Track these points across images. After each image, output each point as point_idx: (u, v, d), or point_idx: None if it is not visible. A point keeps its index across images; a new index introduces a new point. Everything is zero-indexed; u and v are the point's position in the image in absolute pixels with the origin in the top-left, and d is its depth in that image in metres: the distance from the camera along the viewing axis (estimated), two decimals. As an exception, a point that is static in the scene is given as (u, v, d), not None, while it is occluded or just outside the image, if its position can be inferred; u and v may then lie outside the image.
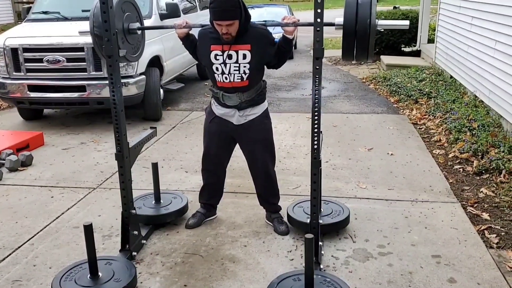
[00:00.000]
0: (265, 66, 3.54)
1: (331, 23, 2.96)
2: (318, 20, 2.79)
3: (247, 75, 3.40)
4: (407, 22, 3.09)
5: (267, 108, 3.70)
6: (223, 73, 3.41)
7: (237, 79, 3.41)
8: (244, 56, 3.34)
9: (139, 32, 3.48)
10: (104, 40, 3.09)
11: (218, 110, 3.62)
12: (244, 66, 3.37)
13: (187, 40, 3.54)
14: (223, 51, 3.35)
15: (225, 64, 3.38)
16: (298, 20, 3.21)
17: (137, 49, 3.57)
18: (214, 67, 3.42)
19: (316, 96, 2.94)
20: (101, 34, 3.13)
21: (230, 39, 3.26)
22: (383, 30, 3.11)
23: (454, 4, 8.69)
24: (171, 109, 7.81)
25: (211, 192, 3.94)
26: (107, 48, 3.10)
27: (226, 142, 3.74)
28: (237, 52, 3.34)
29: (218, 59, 3.38)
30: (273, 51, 3.40)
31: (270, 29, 3.53)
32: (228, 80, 3.42)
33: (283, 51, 3.38)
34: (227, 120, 3.61)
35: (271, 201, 3.88)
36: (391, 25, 3.15)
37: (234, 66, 3.37)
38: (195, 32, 3.57)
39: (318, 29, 2.81)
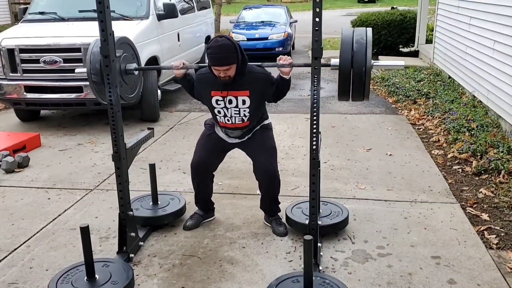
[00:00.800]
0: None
1: (327, 64, 3.01)
2: (317, 19, 2.76)
3: (247, 117, 3.54)
4: (402, 62, 3.14)
5: (269, 123, 3.78)
6: (225, 115, 3.55)
7: (238, 121, 3.56)
8: (244, 102, 3.46)
9: (136, 72, 3.48)
10: (101, 40, 3.06)
11: (220, 133, 3.72)
12: (244, 110, 3.50)
13: (185, 80, 3.61)
14: (223, 97, 3.46)
15: (227, 109, 3.51)
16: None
17: (134, 88, 3.59)
18: (216, 110, 3.55)
19: (315, 96, 2.91)
20: (98, 81, 3.19)
21: (228, 80, 3.34)
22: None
23: (452, 4, 8.69)
24: (168, 110, 7.78)
25: (205, 196, 3.92)
26: (103, 48, 3.07)
27: (220, 153, 3.80)
28: (236, 98, 3.45)
29: (219, 104, 3.50)
30: (272, 91, 3.48)
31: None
32: (230, 122, 3.57)
33: (281, 89, 3.47)
34: (227, 141, 3.73)
35: (273, 209, 3.86)
36: (387, 66, 3.18)
37: (235, 110, 3.51)
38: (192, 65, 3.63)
39: (316, 29, 2.79)
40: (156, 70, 7.16)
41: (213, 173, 3.85)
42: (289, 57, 3.30)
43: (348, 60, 2.87)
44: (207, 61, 3.36)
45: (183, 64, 3.46)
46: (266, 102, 3.64)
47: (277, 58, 3.30)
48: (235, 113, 3.51)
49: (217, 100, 3.49)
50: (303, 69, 11.31)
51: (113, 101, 3.16)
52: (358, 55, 2.86)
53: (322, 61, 2.93)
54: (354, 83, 2.91)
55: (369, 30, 2.99)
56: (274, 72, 3.41)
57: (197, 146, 3.78)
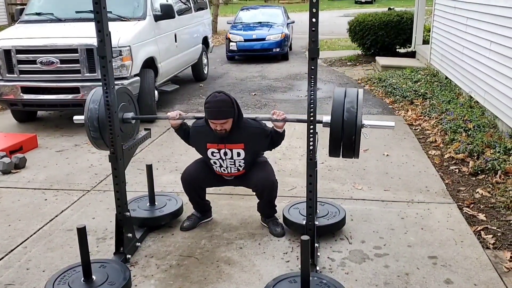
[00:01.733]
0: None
1: (320, 120, 3.09)
2: (314, 20, 2.76)
3: (242, 167, 3.64)
4: (393, 124, 3.27)
5: (264, 157, 3.88)
6: (221, 166, 3.65)
7: (234, 170, 3.66)
8: (239, 154, 3.55)
9: (133, 121, 3.54)
10: (97, 40, 3.06)
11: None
12: (239, 161, 3.60)
13: (180, 130, 3.69)
14: (219, 149, 3.54)
15: (222, 160, 3.60)
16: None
17: (130, 136, 3.61)
18: (211, 161, 3.65)
19: (312, 96, 2.92)
20: (97, 136, 3.31)
21: (224, 134, 3.42)
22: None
23: (449, 5, 8.71)
24: (165, 110, 7.77)
25: (199, 203, 3.92)
26: (100, 49, 3.07)
27: (215, 182, 3.83)
28: (231, 150, 3.54)
29: (215, 156, 3.59)
30: (266, 143, 3.60)
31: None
32: (226, 172, 3.68)
33: (275, 140, 3.58)
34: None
35: (269, 213, 3.87)
36: (378, 126, 3.28)
37: (230, 162, 3.61)
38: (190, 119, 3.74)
39: (313, 29, 2.79)
40: (154, 73, 7.16)
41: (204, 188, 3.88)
42: (282, 112, 3.41)
43: (339, 118, 3.00)
44: (203, 114, 3.47)
45: (180, 114, 3.55)
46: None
47: (271, 113, 3.42)
48: (230, 164, 3.61)
49: (212, 152, 3.58)
50: (300, 69, 11.33)
51: (110, 102, 3.16)
52: (349, 114, 3.00)
53: (318, 67, 2.97)
54: (344, 141, 3.04)
55: (361, 91, 3.13)
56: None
57: (197, 160, 3.82)
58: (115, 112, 3.21)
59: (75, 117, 3.60)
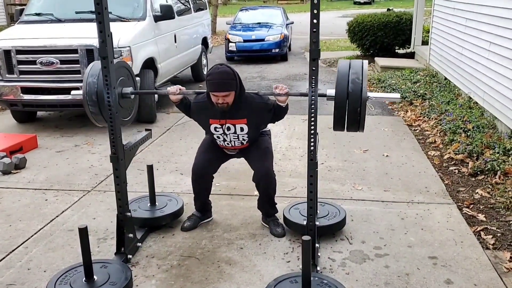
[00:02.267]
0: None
1: (323, 94, 3.06)
2: (315, 21, 2.77)
3: (246, 140, 3.66)
4: (398, 95, 3.19)
5: (269, 129, 3.89)
6: (224, 140, 3.66)
7: (238, 144, 3.68)
8: (242, 129, 3.55)
9: (132, 96, 3.51)
10: (99, 41, 3.06)
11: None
12: (243, 136, 3.61)
13: (181, 105, 3.65)
14: (221, 125, 3.54)
15: (226, 135, 3.61)
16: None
17: (130, 112, 3.61)
18: (215, 136, 3.66)
19: (313, 97, 2.93)
20: (96, 111, 3.27)
21: (226, 107, 3.38)
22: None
23: (448, 6, 8.72)
24: (165, 111, 7.78)
25: (204, 198, 3.94)
26: (102, 50, 3.07)
27: (221, 159, 3.86)
28: (234, 125, 3.53)
29: (218, 131, 3.59)
30: (269, 117, 3.58)
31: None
32: (230, 145, 3.69)
33: (278, 114, 3.56)
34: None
35: (270, 211, 3.88)
36: (383, 98, 3.22)
37: (233, 136, 3.61)
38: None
39: (314, 30, 2.80)
40: (154, 74, 7.17)
41: (213, 176, 3.87)
42: (285, 86, 3.36)
43: (344, 91, 2.94)
44: (204, 87, 3.42)
45: (180, 89, 3.51)
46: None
47: (274, 87, 3.36)
48: (234, 138, 3.61)
49: (215, 128, 3.58)
50: (299, 70, 11.34)
51: (111, 103, 3.16)
52: (354, 87, 2.93)
53: (320, 64, 2.95)
54: (349, 114, 2.98)
55: (365, 62, 3.06)
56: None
57: (199, 151, 3.84)
58: (116, 112, 3.22)
59: (73, 92, 3.56)
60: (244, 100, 3.46)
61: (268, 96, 3.54)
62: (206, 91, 3.43)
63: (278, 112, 3.52)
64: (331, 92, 3.01)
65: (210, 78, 3.30)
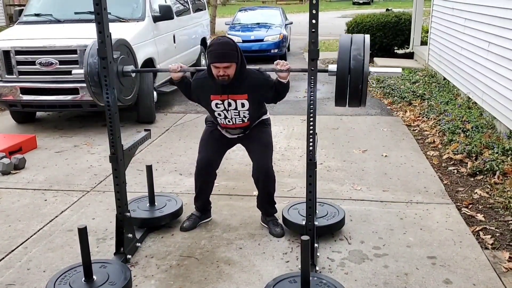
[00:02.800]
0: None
1: (325, 69, 3.03)
2: (313, 21, 2.78)
3: (247, 118, 3.60)
4: (400, 70, 3.15)
5: (268, 118, 3.84)
6: (225, 117, 3.59)
7: (239, 121, 3.61)
8: (243, 105, 3.50)
9: (133, 74, 3.50)
10: (98, 42, 3.07)
11: (221, 130, 3.76)
12: (244, 112, 3.55)
13: (182, 83, 3.60)
14: (222, 100, 3.48)
15: (227, 111, 3.54)
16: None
17: (131, 90, 3.60)
18: (216, 113, 3.59)
19: (312, 97, 2.93)
20: (95, 84, 3.20)
21: (227, 80, 3.32)
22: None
23: (447, 6, 8.73)
24: (164, 112, 7.78)
25: (205, 197, 3.94)
26: (101, 50, 3.08)
27: (224, 148, 3.85)
28: (235, 101, 3.48)
29: (219, 107, 3.53)
30: (270, 94, 3.51)
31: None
32: (231, 123, 3.63)
33: (280, 92, 3.50)
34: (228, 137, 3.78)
35: (269, 210, 3.89)
36: (384, 73, 3.20)
37: (235, 113, 3.55)
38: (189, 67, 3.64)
39: (313, 30, 2.80)
40: (152, 72, 7.17)
41: (216, 171, 3.87)
42: (287, 61, 3.32)
43: (346, 66, 2.90)
44: (206, 61, 3.37)
45: (181, 67, 3.47)
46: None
47: (275, 63, 3.31)
48: (235, 115, 3.55)
49: (216, 104, 3.52)
50: (298, 70, 11.34)
51: (110, 103, 3.17)
52: (355, 62, 2.89)
53: (318, 63, 2.95)
54: (351, 89, 2.94)
55: (367, 36, 3.03)
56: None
57: (201, 144, 3.81)
58: (115, 112, 3.22)
59: (74, 71, 3.54)
60: (246, 75, 3.41)
61: (269, 73, 3.51)
62: (206, 66, 3.37)
63: (279, 90, 3.45)
64: (333, 67, 2.98)
65: (212, 49, 3.25)
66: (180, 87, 3.63)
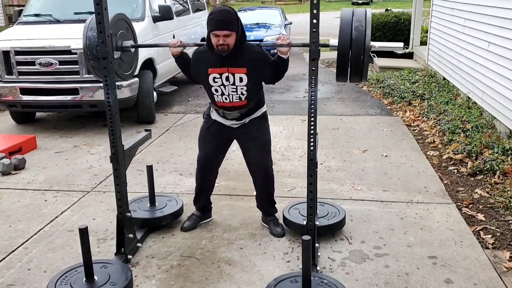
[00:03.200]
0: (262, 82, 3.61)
1: (326, 44, 3.00)
2: (314, 21, 2.78)
3: (245, 95, 3.49)
4: (401, 44, 3.12)
5: (265, 111, 3.76)
6: (222, 94, 3.49)
7: (236, 99, 3.49)
8: (241, 79, 3.41)
9: (132, 50, 3.47)
10: (99, 41, 3.07)
11: (217, 118, 3.68)
12: (241, 88, 3.45)
13: (181, 59, 3.57)
14: (220, 74, 3.41)
15: (224, 86, 3.45)
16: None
17: (130, 66, 3.58)
18: (213, 89, 3.49)
19: (312, 97, 2.93)
20: (98, 66, 3.18)
21: (226, 50, 3.26)
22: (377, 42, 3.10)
23: (447, 6, 8.74)
24: (164, 112, 7.78)
25: (205, 196, 3.94)
26: (101, 50, 3.08)
27: (223, 144, 3.78)
28: (234, 75, 3.40)
29: (216, 82, 3.45)
30: (269, 71, 3.45)
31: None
32: (228, 101, 3.51)
33: (279, 70, 3.44)
34: (225, 124, 3.66)
35: (269, 210, 3.89)
36: (386, 47, 3.17)
37: (232, 88, 3.45)
38: (189, 49, 3.59)
39: (314, 30, 2.80)
40: (152, 75, 7.17)
41: (218, 170, 3.86)
42: (287, 36, 3.30)
43: (347, 37, 2.86)
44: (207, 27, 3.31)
45: (180, 42, 3.45)
46: (263, 83, 3.61)
47: (276, 38, 3.29)
48: (232, 91, 3.45)
49: (214, 78, 3.43)
50: (298, 71, 11.34)
51: (111, 102, 3.17)
52: (357, 35, 2.85)
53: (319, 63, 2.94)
54: (352, 63, 2.90)
55: (369, 10, 2.97)
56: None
57: (200, 142, 3.79)
58: (116, 112, 3.22)
59: (73, 46, 3.50)
60: (246, 49, 3.37)
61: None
62: (207, 36, 3.32)
63: (278, 67, 3.40)
64: (334, 42, 2.94)
65: (212, 17, 3.20)
66: (179, 63, 3.59)
